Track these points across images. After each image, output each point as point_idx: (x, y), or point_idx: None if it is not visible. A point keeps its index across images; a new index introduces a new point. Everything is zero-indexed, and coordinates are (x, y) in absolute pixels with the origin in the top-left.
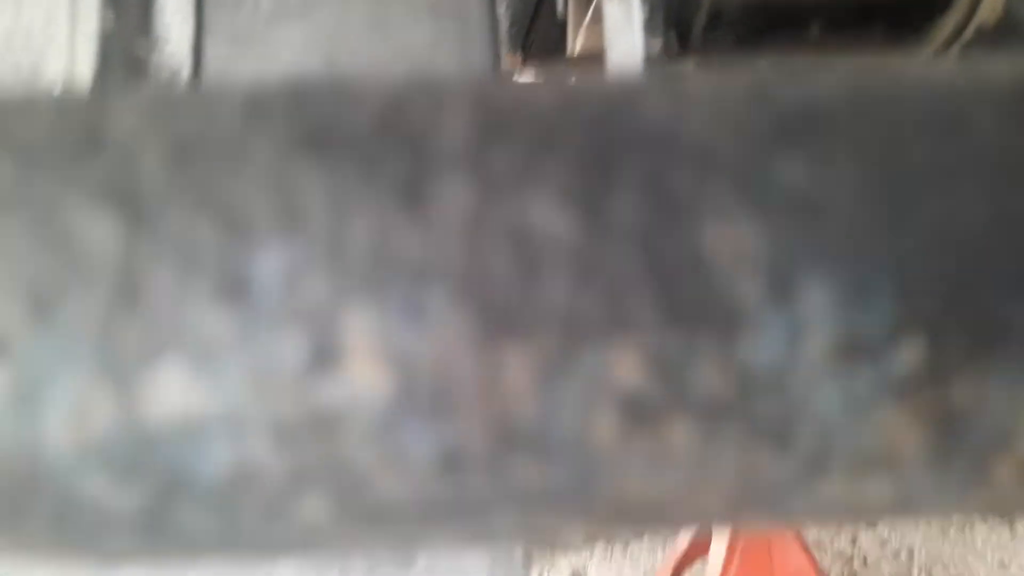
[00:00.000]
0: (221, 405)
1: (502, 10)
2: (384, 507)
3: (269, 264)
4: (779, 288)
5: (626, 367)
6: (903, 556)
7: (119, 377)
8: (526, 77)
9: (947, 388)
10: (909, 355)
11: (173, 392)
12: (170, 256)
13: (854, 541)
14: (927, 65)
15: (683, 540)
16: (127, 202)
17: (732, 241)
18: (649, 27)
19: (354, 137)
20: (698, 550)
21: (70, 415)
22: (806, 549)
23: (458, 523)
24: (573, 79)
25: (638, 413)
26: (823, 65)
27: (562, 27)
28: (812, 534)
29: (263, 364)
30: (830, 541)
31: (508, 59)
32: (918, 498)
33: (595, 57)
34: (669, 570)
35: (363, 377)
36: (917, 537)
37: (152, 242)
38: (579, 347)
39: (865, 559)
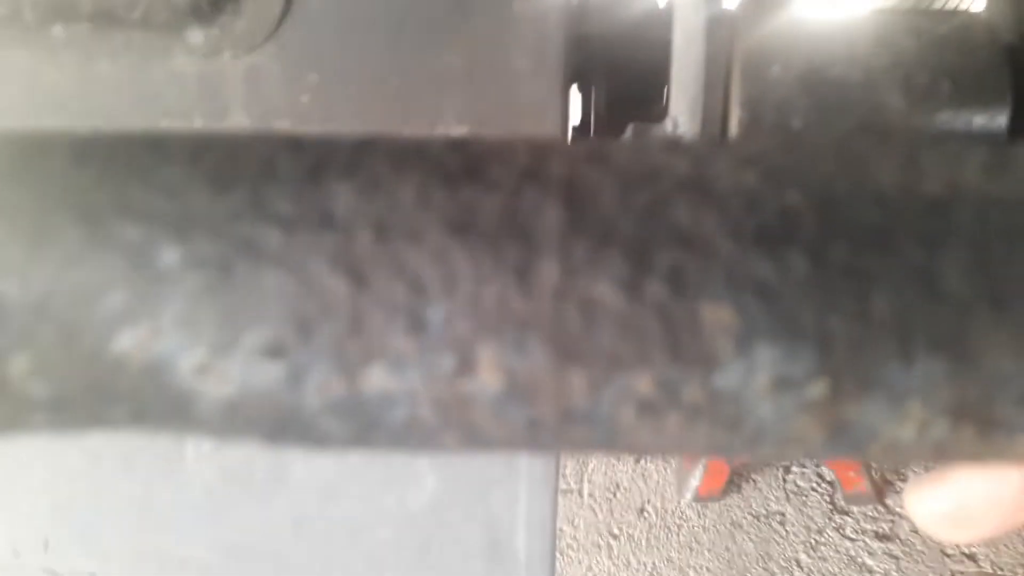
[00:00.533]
0: (404, 389)
1: None
2: (490, 441)
3: (436, 313)
4: (743, 346)
5: (643, 385)
6: None
7: (348, 371)
8: None
9: (839, 408)
10: (817, 390)
11: (377, 380)
12: (380, 304)
13: None
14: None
15: None
16: (351, 268)
17: (718, 315)
18: None
19: (487, 227)
20: None
21: (318, 389)
22: None
23: (528, 449)
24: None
25: (648, 409)
26: (802, 175)
27: None
28: None
29: (431, 369)
30: None
31: None
32: (818, 456)
33: None
34: None
35: (487, 379)
36: None
37: (368, 295)
38: (615, 372)
39: None
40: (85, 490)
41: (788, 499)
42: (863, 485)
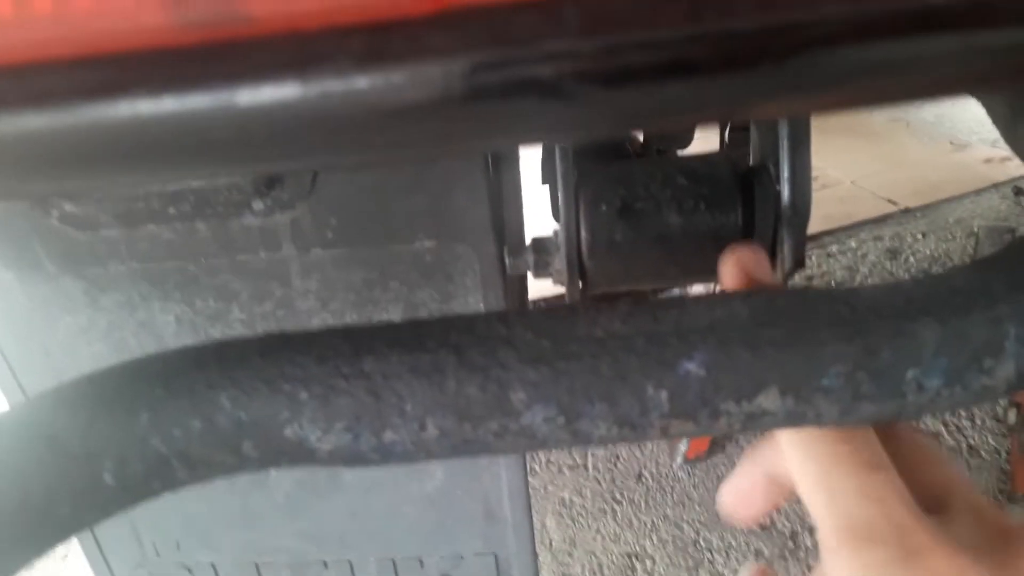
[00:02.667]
0: (398, 439)
1: None
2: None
3: (414, 409)
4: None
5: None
6: None
7: (378, 434)
8: None
9: None
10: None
11: (388, 437)
12: (387, 410)
13: None
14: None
15: None
16: (373, 393)
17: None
18: None
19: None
20: None
21: (372, 448)
22: None
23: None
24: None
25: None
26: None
27: None
28: None
29: (409, 430)
30: None
31: None
32: None
33: None
34: None
35: (432, 432)
36: None
37: (381, 405)
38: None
39: None
40: (203, 504)
41: None
42: None
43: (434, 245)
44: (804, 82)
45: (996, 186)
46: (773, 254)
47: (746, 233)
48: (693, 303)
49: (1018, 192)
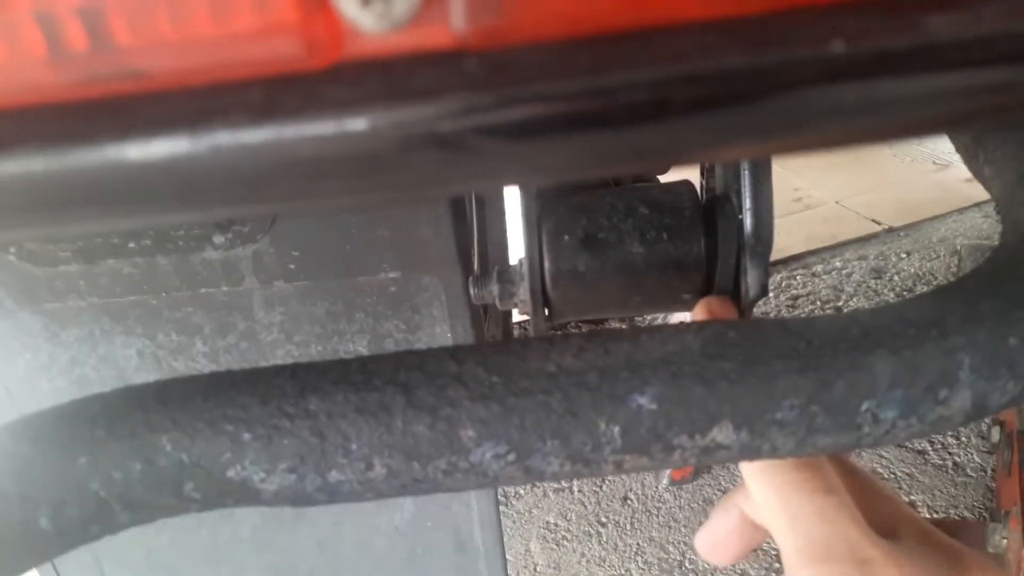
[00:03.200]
0: (340, 480)
1: None
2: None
3: (359, 448)
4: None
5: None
6: None
7: (324, 473)
8: None
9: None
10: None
11: (334, 477)
12: (332, 449)
13: None
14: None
15: None
16: (316, 433)
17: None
18: None
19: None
20: None
21: (317, 487)
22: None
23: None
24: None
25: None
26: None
27: None
28: None
29: (355, 469)
30: None
31: None
32: None
33: None
34: None
35: (379, 470)
36: None
37: (326, 445)
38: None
39: None
40: (168, 537)
41: None
42: None
43: (399, 276)
44: (694, 134)
45: (978, 205)
46: (736, 284)
47: (709, 262)
48: (646, 335)
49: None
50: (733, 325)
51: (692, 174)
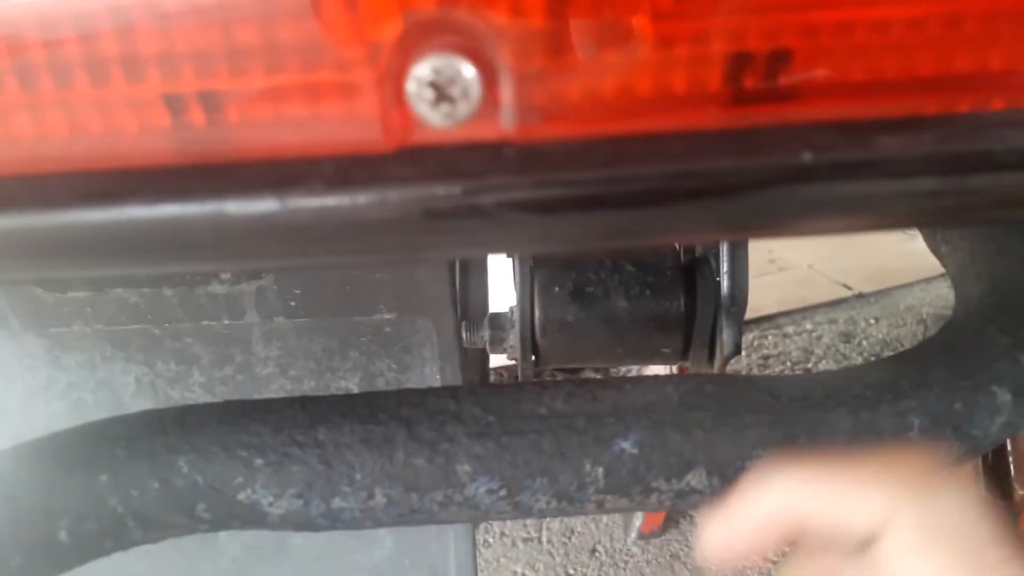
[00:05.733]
0: (346, 507)
1: None
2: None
3: (363, 478)
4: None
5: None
6: None
7: (328, 500)
8: None
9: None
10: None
11: (337, 504)
12: (337, 478)
13: None
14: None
15: None
16: (325, 461)
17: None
18: None
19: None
20: None
21: (322, 513)
22: None
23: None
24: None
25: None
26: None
27: None
28: None
29: (359, 498)
30: None
31: None
32: None
33: None
34: None
35: (379, 499)
36: None
37: (332, 473)
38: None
39: None
40: (148, 565)
41: None
42: None
43: (394, 317)
44: (688, 218)
45: (944, 275)
46: (712, 340)
47: (688, 319)
48: (630, 384)
49: None
50: (709, 379)
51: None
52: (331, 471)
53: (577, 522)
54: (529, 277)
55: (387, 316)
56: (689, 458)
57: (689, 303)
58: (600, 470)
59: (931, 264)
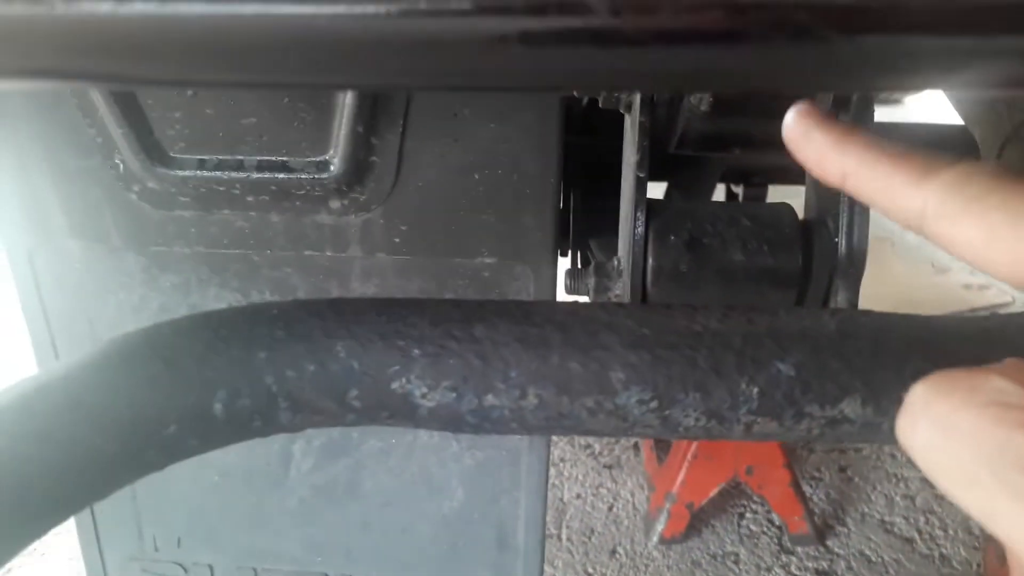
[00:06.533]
0: (496, 404)
1: None
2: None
3: (516, 376)
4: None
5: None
6: None
7: (481, 396)
8: None
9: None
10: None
11: (490, 401)
12: (490, 372)
13: None
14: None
15: None
16: (480, 356)
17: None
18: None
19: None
20: None
21: (471, 408)
22: None
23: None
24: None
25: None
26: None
27: None
28: None
29: (510, 396)
30: None
31: None
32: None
33: None
34: None
35: (531, 399)
36: None
37: (488, 368)
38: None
39: None
40: (215, 499)
41: (742, 541)
42: (806, 528)
43: (495, 262)
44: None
45: (974, 311)
46: (825, 302)
47: (803, 278)
48: (784, 311)
49: None
50: (864, 312)
51: (796, 201)
52: (487, 366)
53: (597, 522)
54: (644, 224)
55: (488, 260)
56: (846, 385)
57: (806, 262)
58: (755, 389)
59: (960, 298)
